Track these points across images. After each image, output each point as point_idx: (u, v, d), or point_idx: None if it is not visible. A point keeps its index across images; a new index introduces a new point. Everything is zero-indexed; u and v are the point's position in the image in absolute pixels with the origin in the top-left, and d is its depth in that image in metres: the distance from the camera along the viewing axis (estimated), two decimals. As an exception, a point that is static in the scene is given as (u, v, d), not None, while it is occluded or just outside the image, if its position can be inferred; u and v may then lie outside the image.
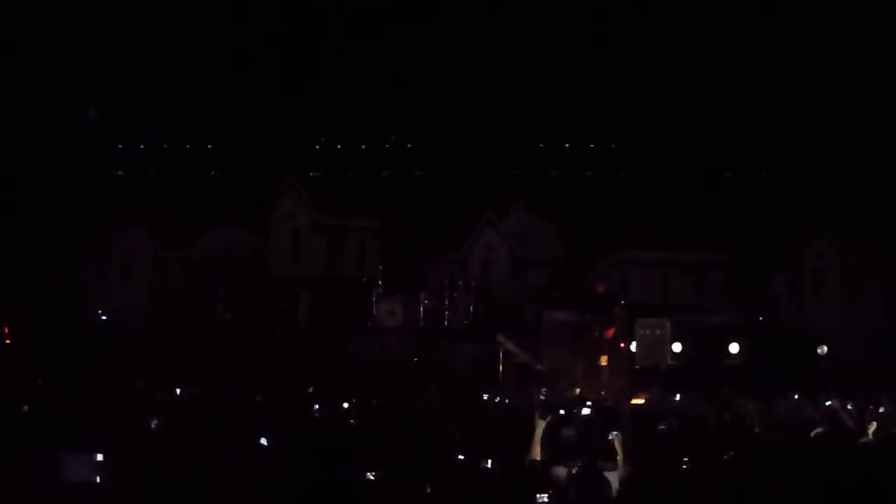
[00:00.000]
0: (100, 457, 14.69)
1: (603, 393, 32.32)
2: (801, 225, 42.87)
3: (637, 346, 37.60)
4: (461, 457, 15.87)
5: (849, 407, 21.04)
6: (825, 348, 38.02)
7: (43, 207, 40.90)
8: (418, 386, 30.54)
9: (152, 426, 18.89)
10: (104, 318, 40.75)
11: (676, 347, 37.52)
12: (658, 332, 37.66)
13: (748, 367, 36.51)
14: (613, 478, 13.44)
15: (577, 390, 31.84)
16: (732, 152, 45.63)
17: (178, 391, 27.78)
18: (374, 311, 37.74)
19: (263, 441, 16.12)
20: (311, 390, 27.76)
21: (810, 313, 42.16)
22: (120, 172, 46.08)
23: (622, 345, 37.74)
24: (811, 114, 44.16)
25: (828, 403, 21.88)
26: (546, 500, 13.51)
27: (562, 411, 21.57)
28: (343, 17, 45.04)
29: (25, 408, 20.78)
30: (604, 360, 36.65)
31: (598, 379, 35.85)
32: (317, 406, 23.31)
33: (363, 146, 46.46)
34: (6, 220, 40.01)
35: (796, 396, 25.61)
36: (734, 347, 37.48)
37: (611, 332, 36.94)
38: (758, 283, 42.58)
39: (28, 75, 42.20)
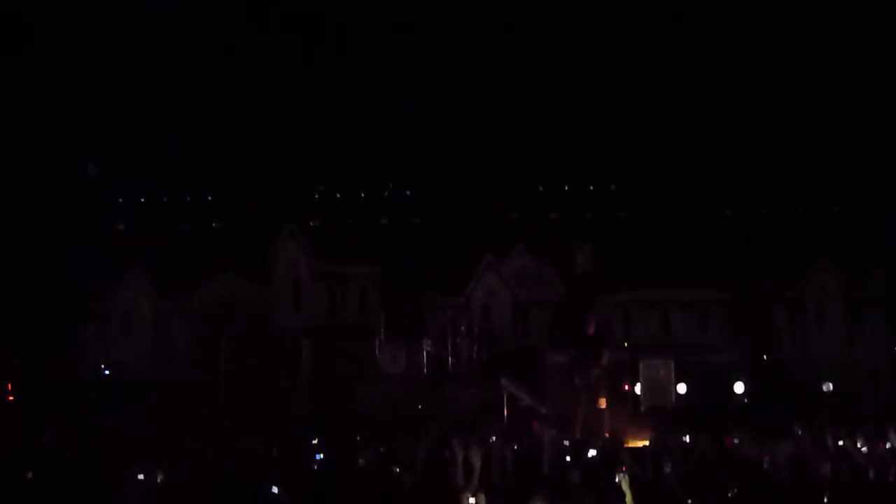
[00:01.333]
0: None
1: (607, 435, 32.22)
2: (801, 260, 42.82)
3: (641, 387, 37.46)
4: (472, 500, 15.85)
5: (858, 445, 20.95)
6: (830, 385, 37.89)
7: (44, 263, 40.90)
8: (423, 431, 30.50)
9: (159, 480, 18.83)
10: (107, 371, 40.66)
11: (681, 388, 37.37)
12: (662, 373, 37.53)
13: (753, 405, 36.32)
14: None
15: (581, 433, 31.78)
16: (731, 190, 45.72)
17: (183, 442, 27.69)
18: (377, 358, 37.67)
19: (275, 489, 16.11)
20: (316, 440, 27.65)
21: (814, 348, 41.98)
22: (121, 227, 46.15)
23: (626, 386, 37.63)
24: (810, 150, 44.30)
25: (840, 443, 21.75)
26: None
27: (567, 455, 21.53)
28: (339, 66, 45.23)
29: (30, 474, 20.68)
30: (602, 403, 36.56)
31: (601, 421, 35.76)
32: (321, 455, 23.25)
33: (362, 194, 46.56)
34: (8, 276, 40.03)
35: (799, 432, 25.46)
36: (739, 386, 37.33)
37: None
38: (760, 319, 42.45)
39: (28, 132, 42.36)
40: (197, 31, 44.60)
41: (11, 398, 39.02)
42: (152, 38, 44.11)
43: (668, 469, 19.34)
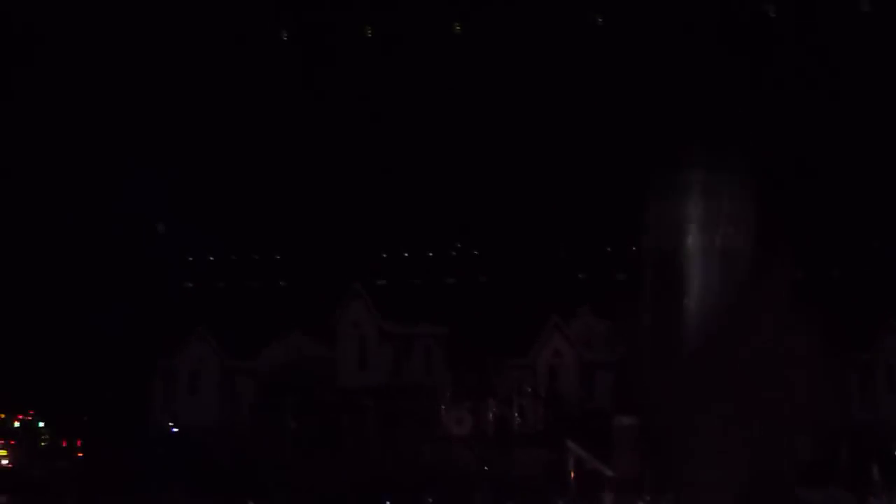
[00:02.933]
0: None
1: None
2: (873, 323, 42.32)
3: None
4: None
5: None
6: (903, 450, 37.26)
7: (113, 320, 41.27)
8: (492, 496, 30.47)
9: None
10: (174, 430, 40.90)
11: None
12: (730, 435, 37.05)
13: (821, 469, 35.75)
14: None
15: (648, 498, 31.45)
16: (801, 251, 45.29)
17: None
18: (443, 420, 37.60)
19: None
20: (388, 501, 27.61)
21: (885, 413, 41.40)
22: (189, 284, 46.51)
23: (694, 449, 37.19)
24: (882, 210, 43.87)
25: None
26: None
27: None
28: (409, 126, 45.44)
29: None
30: None
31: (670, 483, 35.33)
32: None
33: (428, 253, 46.62)
34: (77, 333, 40.45)
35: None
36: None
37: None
38: (831, 383, 41.89)
39: (92, 185, 42.91)
40: (267, 94, 45.08)
41: (81, 454, 39.35)
42: (226, 98, 44.63)
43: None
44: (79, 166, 43.04)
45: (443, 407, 37.77)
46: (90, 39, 43.51)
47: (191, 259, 47.36)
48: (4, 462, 39.06)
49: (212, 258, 47.63)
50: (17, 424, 40.35)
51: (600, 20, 45.73)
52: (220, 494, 30.89)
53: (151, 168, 43.61)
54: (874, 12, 43.46)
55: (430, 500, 30.55)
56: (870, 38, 43.61)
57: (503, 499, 30.68)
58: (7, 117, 42.44)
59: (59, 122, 43.65)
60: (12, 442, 39.66)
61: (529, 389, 38.89)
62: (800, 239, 44.71)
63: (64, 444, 40.17)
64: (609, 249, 46.83)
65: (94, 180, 43.05)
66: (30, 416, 40.51)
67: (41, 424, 40.46)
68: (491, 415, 37.62)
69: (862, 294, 42.99)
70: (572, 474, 35.76)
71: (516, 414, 37.90)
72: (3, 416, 40.63)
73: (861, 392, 42.19)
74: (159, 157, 43.61)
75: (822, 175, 43.89)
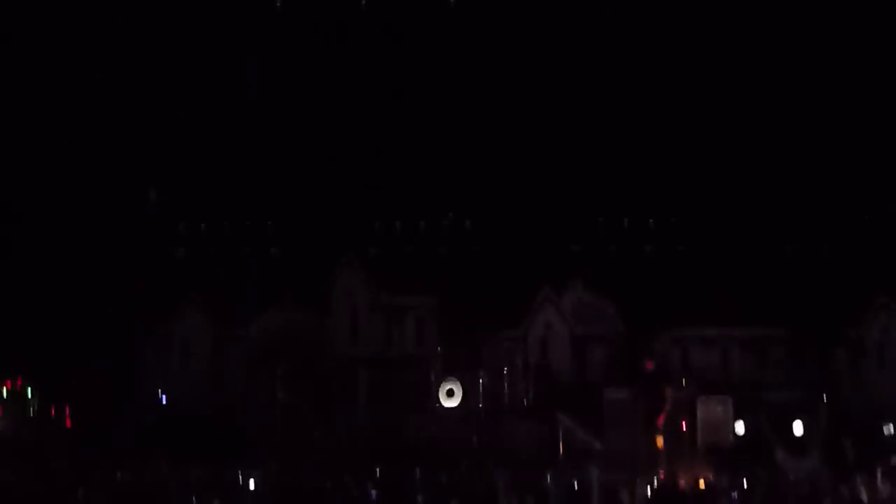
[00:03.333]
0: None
1: (662, 474, 32.03)
2: (863, 299, 42.38)
3: (699, 425, 37.15)
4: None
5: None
6: (892, 427, 37.39)
7: (104, 287, 41.20)
8: (478, 465, 30.50)
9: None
10: (164, 397, 40.84)
11: (739, 426, 37.03)
12: (720, 410, 37.20)
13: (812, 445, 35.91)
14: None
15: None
16: (793, 226, 45.33)
17: (239, 474, 27.83)
18: (433, 391, 37.64)
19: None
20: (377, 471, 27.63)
21: (874, 389, 41.51)
22: (181, 252, 46.37)
23: (683, 423, 37.33)
24: (873, 186, 43.89)
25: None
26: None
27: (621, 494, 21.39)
28: (402, 96, 45.36)
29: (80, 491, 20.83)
30: (660, 442, 36.28)
31: (658, 459, 35.49)
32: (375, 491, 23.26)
33: (420, 224, 46.54)
34: (67, 300, 40.38)
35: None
36: (798, 426, 36.91)
37: (661, 417, 36.66)
38: (820, 358, 42.03)
39: (88, 157, 42.79)
40: (263, 61, 44.97)
41: (70, 423, 39.31)
42: (214, 69, 44.52)
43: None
44: (72, 135, 42.94)
45: (433, 378, 37.80)
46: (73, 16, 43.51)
47: (182, 225, 47.21)
48: (-7, 429, 39.02)
49: (203, 224, 47.46)
50: (5, 391, 40.24)
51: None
52: (209, 462, 30.87)
53: (145, 135, 43.56)
54: None
55: (419, 469, 30.57)
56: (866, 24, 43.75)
57: (492, 469, 30.69)
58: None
59: (50, 92, 43.57)
60: (0, 409, 39.57)
61: (520, 361, 38.89)
62: (792, 214, 44.88)
63: (52, 412, 40.08)
64: (601, 221, 46.77)
65: (86, 148, 42.96)
66: (18, 383, 40.40)
67: (29, 391, 40.35)
68: (481, 386, 37.64)
69: (853, 270, 43.04)
70: (561, 447, 35.94)
71: (506, 386, 37.92)
72: (-9, 382, 40.57)
73: (851, 368, 42.28)
74: (153, 124, 43.54)
75: (815, 153, 43.93)
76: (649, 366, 37.93)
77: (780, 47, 44.53)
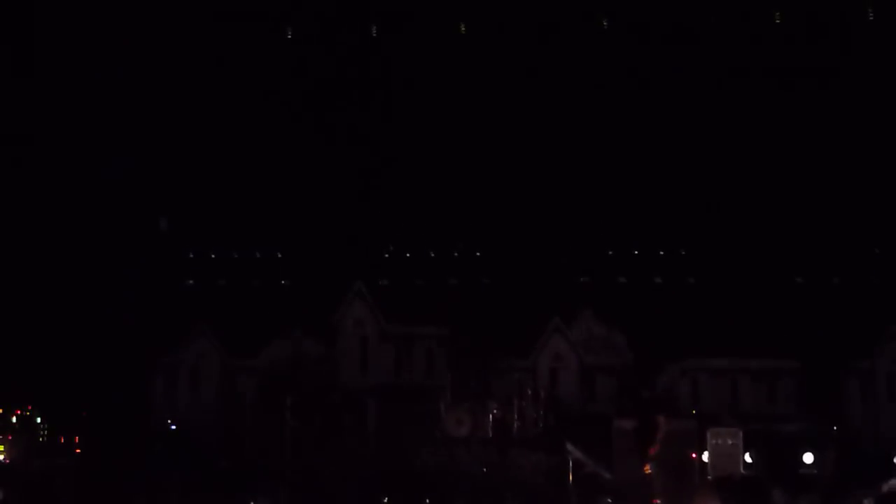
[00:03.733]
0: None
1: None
2: (873, 330, 42.29)
3: (709, 456, 37.01)
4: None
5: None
6: (902, 458, 37.27)
7: (113, 316, 41.23)
8: (490, 497, 30.44)
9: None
10: (173, 426, 40.78)
11: (748, 457, 36.89)
12: (730, 442, 37.06)
13: (823, 477, 35.79)
14: None
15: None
16: (803, 258, 45.30)
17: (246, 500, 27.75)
18: (443, 420, 37.55)
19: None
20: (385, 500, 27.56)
21: (885, 420, 41.39)
22: (191, 282, 46.43)
23: (693, 455, 37.22)
24: (883, 219, 43.89)
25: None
26: None
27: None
28: (411, 126, 45.46)
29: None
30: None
31: (669, 490, 35.43)
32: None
33: (431, 254, 46.56)
34: (78, 329, 40.40)
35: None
36: (808, 457, 36.76)
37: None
38: (831, 390, 41.91)
39: (100, 186, 42.89)
40: (272, 91, 45.15)
41: (79, 451, 39.29)
42: (227, 100, 44.67)
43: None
44: (82, 163, 43.05)
45: (443, 408, 37.72)
46: (87, 33, 43.71)
47: (192, 256, 47.27)
48: (1, 457, 38.98)
49: (213, 256, 47.53)
50: (14, 419, 40.26)
51: (605, 23, 45.84)
52: (219, 493, 30.83)
53: (154, 165, 43.67)
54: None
55: (428, 501, 30.55)
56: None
57: (502, 501, 30.66)
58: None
59: (61, 117, 43.72)
60: (10, 437, 39.57)
61: (530, 392, 38.82)
62: (802, 246, 44.85)
63: (62, 440, 40.08)
64: (611, 253, 46.77)
65: (97, 177, 43.05)
66: (28, 410, 40.43)
67: (39, 420, 40.37)
68: (491, 417, 37.56)
69: (863, 301, 42.97)
70: (571, 477, 35.82)
71: (516, 416, 37.84)
72: (0, 410, 40.55)
73: (861, 399, 42.18)
74: (163, 154, 43.65)
75: (824, 183, 43.95)
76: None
77: (786, 78, 44.65)
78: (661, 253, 46.30)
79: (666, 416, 38.40)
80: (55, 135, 43.26)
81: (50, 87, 43.65)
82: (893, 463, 37.35)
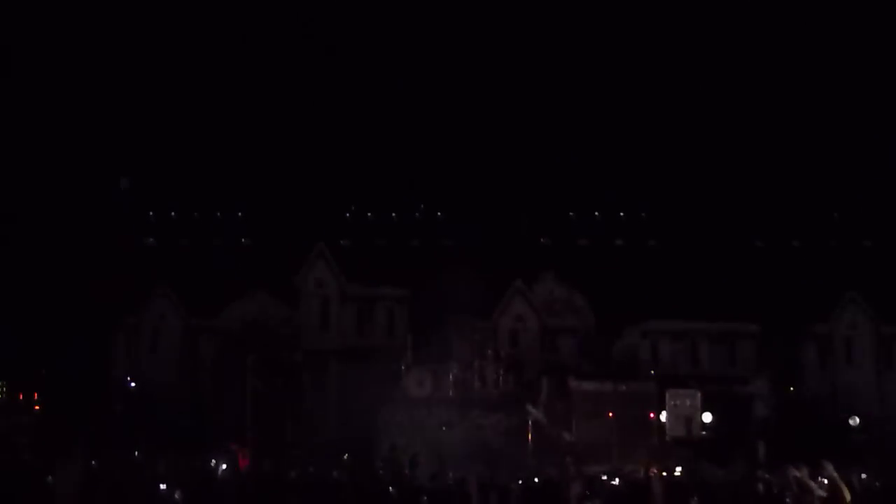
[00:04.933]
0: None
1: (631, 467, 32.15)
2: (832, 294, 42.61)
3: (667, 417, 37.31)
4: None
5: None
6: (857, 419, 37.63)
7: (74, 276, 41.04)
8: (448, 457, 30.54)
9: (177, 497, 18.88)
10: (133, 384, 40.67)
11: (707, 418, 37.19)
12: (689, 403, 37.35)
13: (780, 438, 36.08)
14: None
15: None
16: (763, 222, 45.57)
17: (212, 462, 27.76)
18: (403, 381, 37.63)
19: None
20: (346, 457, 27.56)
21: (842, 383, 41.77)
22: (151, 240, 46.29)
23: (652, 415, 37.49)
24: (843, 184, 44.17)
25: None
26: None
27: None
28: (375, 89, 45.41)
29: (50, 478, 20.76)
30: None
31: (628, 450, 35.64)
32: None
33: (392, 215, 46.58)
34: (37, 289, 40.19)
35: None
36: (762, 413, 37.16)
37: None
38: (789, 353, 42.23)
39: (61, 145, 42.63)
40: (234, 52, 44.94)
41: (37, 407, 39.18)
42: (190, 57, 44.44)
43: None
44: (43, 125, 42.77)
45: (404, 369, 37.79)
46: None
47: (153, 216, 47.12)
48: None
49: (174, 215, 47.39)
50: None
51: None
52: (179, 452, 30.76)
53: (117, 124, 43.43)
54: None
55: (381, 464, 30.55)
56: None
57: (463, 461, 30.73)
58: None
59: (24, 79, 43.45)
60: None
61: (491, 353, 38.88)
62: (762, 210, 45.10)
63: (20, 398, 39.95)
64: (572, 215, 46.92)
65: (57, 138, 42.80)
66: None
67: (-3, 379, 40.25)
68: (452, 377, 37.63)
69: (822, 265, 43.28)
70: (530, 438, 35.99)
71: (476, 377, 37.92)
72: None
73: (819, 362, 42.55)
74: (126, 113, 43.43)
75: (784, 147, 44.18)
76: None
77: (756, 46, 44.79)
78: (622, 215, 46.50)
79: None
80: (19, 95, 42.89)
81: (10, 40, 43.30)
82: (848, 424, 37.77)
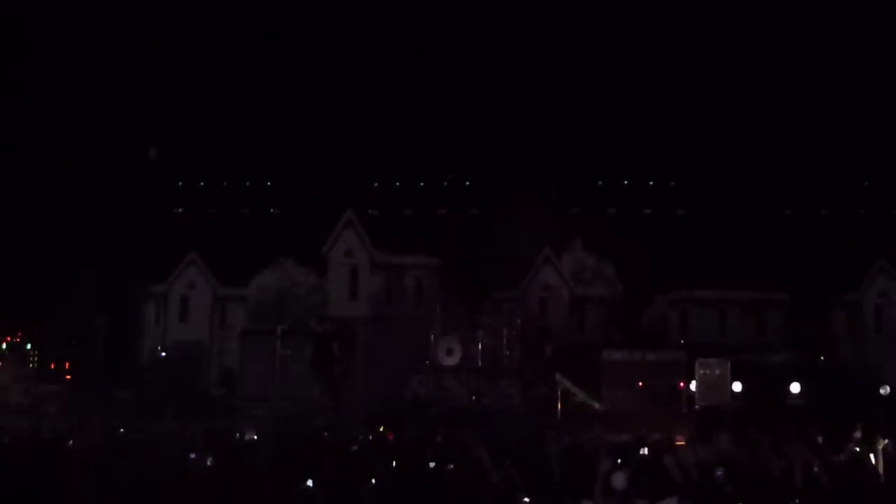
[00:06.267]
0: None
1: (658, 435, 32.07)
2: (861, 263, 42.45)
3: (697, 387, 37.21)
4: (526, 500, 15.80)
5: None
6: (888, 388, 37.44)
7: (103, 245, 41.20)
8: (477, 425, 30.48)
9: (209, 464, 18.91)
10: (163, 354, 40.91)
11: (736, 387, 37.06)
12: (718, 372, 37.21)
13: (810, 407, 35.96)
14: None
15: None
16: (792, 190, 45.37)
17: (237, 434, 27.80)
18: (432, 350, 37.67)
19: (310, 483, 16.06)
20: (381, 429, 27.53)
21: (871, 352, 41.65)
22: (180, 210, 46.43)
23: (681, 384, 37.41)
24: (872, 152, 43.90)
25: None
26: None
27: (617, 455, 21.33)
28: (398, 61, 45.31)
29: (70, 442, 20.81)
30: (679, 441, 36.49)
31: (657, 419, 35.57)
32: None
33: (421, 184, 46.58)
34: (67, 257, 40.36)
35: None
36: (795, 387, 36.92)
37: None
38: (818, 322, 42.10)
39: (90, 116, 42.70)
40: (255, 23, 44.91)
41: (68, 377, 39.41)
42: (220, 29, 44.42)
43: (719, 473, 19.13)
44: (71, 91, 42.83)
45: (433, 338, 37.81)
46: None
47: (182, 185, 47.24)
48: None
49: (203, 183, 47.51)
50: (3, 346, 40.31)
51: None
52: (208, 421, 30.91)
53: (145, 94, 43.47)
54: None
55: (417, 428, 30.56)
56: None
57: (491, 430, 30.72)
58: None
59: (49, 52, 43.52)
60: (0, 363, 39.66)
61: (519, 322, 38.91)
62: (791, 178, 44.90)
63: (52, 367, 40.18)
64: (601, 184, 46.83)
65: (86, 105, 42.86)
66: (17, 337, 40.47)
67: (28, 346, 40.43)
68: (480, 346, 37.66)
69: (851, 234, 43.11)
70: (560, 406, 36.01)
71: (505, 346, 37.96)
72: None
73: (849, 331, 42.45)
74: (153, 82, 43.44)
75: (813, 115, 43.93)
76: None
77: (775, 26, 44.53)
78: (651, 184, 46.37)
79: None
80: (41, 69, 43.00)
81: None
82: (880, 393, 37.60)
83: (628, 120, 44.36)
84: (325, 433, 24.97)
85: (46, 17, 43.13)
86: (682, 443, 27.89)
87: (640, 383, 36.95)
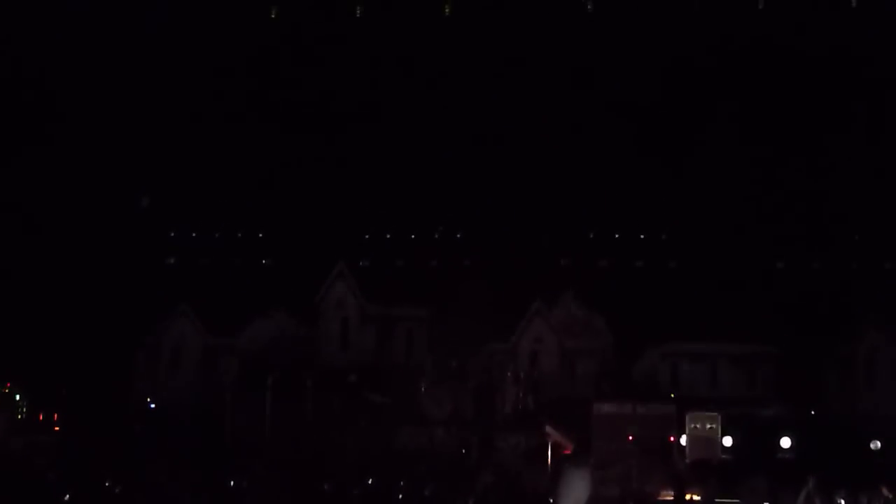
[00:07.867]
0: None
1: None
2: (853, 317, 42.44)
3: (687, 440, 37.10)
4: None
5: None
6: (878, 443, 37.35)
7: (94, 294, 41.15)
8: (469, 478, 30.44)
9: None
10: (153, 405, 40.76)
11: (727, 441, 36.96)
12: (709, 426, 37.13)
13: (800, 461, 35.86)
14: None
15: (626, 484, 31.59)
16: (784, 244, 45.47)
17: (231, 483, 27.76)
18: (422, 402, 37.59)
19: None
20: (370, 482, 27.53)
21: (863, 405, 41.57)
22: (172, 260, 46.43)
23: (672, 439, 37.30)
24: (864, 206, 44.03)
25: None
26: None
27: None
28: (396, 109, 45.45)
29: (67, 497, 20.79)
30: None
31: (648, 473, 35.46)
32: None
33: (412, 236, 46.63)
34: (59, 308, 40.31)
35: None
36: (786, 441, 36.84)
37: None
38: (809, 375, 42.05)
39: (82, 164, 42.76)
40: (252, 74, 45.14)
41: (57, 428, 39.23)
42: (211, 77, 44.60)
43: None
44: (65, 141, 42.91)
45: (423, 389, 37.74)
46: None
47: (174, 235, 47.25)
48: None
49: (195, 235, 47.52)
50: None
51: (590, 7, 45.88)
52: (198, 471, 30.79)
53: (139, 143, 43.57)
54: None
55: (402, 482, 30.50)
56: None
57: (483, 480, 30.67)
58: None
59: (43, 97, 43.62)
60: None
61: (510, 374, 38.85)
62: (783, 232, 45.00)
63: (41, 418, 39.99)
64: (592, 236, 46.88)
65: (79, 156, 42.91)
66: (7, 387, 40.30)
67: (17, 397, 40.23)
68: (471, 398, 37.59)
69: (842, 287, 43.13)
70: (550, 459, 35.89)
71: (496, 398, 37.90)
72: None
73: (840, 385, 42.38)
74: (147, 132, 43.55)
75: (804, 169, 44.10)
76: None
77: (767, 62, 44.79)
78: (642, 236, 46.45)
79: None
80: (38, 114, 43.12)
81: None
82: (870, 448, 37.51)
83: (619, 173, 44.47)
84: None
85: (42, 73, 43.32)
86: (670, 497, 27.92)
87: (630, 437, 36.77)
